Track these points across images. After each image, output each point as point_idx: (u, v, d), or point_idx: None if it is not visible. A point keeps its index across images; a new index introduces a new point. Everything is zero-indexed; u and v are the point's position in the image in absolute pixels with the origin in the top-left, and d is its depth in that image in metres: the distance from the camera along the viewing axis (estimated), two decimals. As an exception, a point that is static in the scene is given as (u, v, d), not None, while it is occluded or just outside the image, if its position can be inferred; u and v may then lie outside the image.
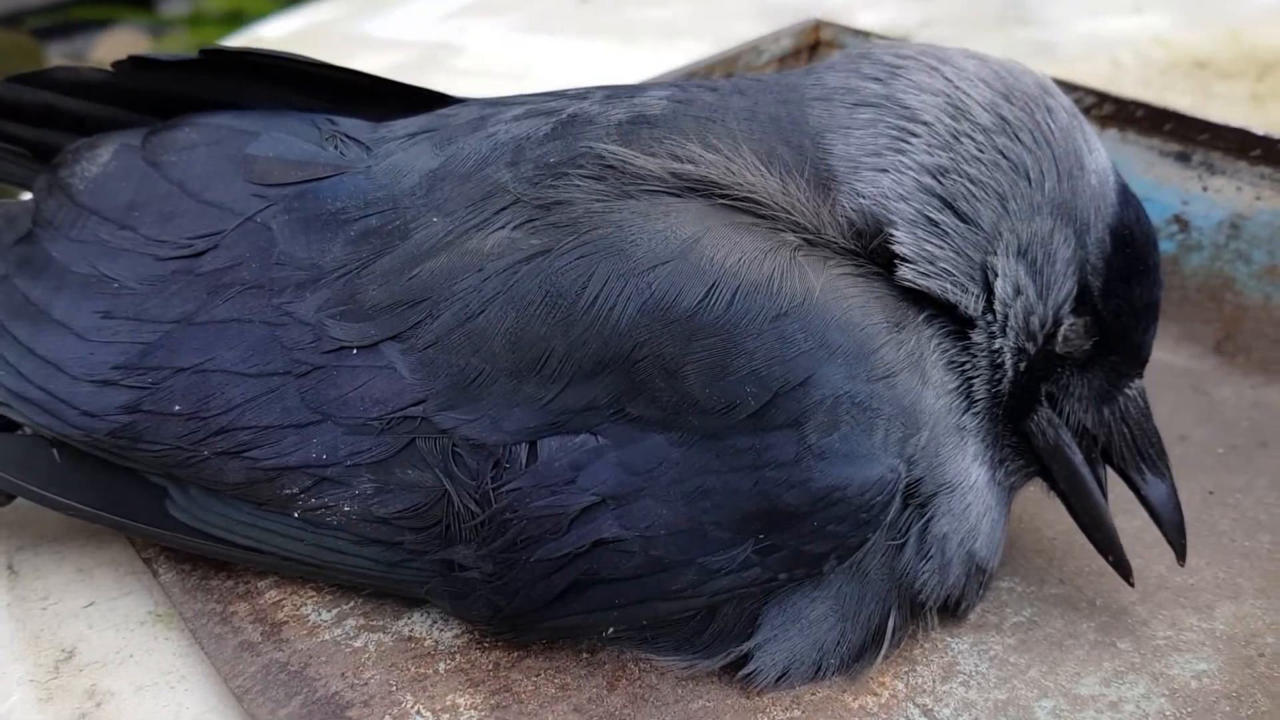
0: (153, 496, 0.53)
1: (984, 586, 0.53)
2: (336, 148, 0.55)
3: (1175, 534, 0.53)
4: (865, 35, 0.82)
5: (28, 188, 0.66)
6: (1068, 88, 0.72)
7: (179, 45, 3.51)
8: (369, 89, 0.61)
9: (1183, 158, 0.67)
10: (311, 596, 0.53)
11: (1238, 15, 1.41)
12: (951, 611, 0.53)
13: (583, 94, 0.55)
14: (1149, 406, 0.53)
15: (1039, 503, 0.57)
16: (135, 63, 0.60)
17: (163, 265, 0.53)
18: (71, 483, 0.53)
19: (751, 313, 0.45)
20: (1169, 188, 0.68)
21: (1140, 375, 0.53)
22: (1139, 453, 0.53)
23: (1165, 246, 0.70)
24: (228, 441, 0.50)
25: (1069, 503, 0.54)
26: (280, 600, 0.53)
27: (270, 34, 1.44)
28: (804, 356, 0.45)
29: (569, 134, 0.52)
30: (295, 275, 0.51)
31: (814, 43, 0.85)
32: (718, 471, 0.46)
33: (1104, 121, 0.70)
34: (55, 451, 0.53)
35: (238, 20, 3.37)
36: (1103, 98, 0.70)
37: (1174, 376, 0.69)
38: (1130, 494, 0.54)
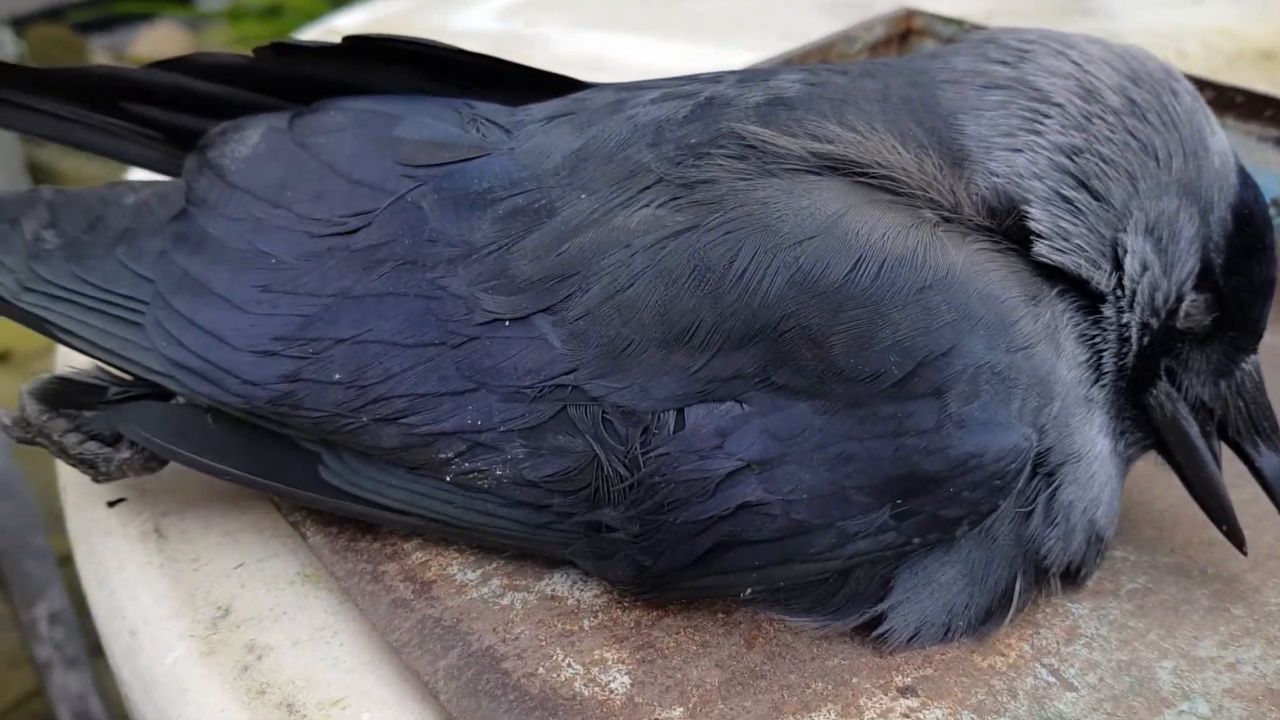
0: (305, 461, 0.55)
1: (1101, 554, 0.55)
2: (478, 130, 0.57)
3: (1288, 506, 0.55)
4: (959, 23, 0.84)
5: (159, 170, 0.69)
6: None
7: (219, 39, 3.55)
8: (496, 73, 0.63)
9: (1281, 143, 0.69)
10: (455, 557, 0.56)
11: (1301, 6, 1.41)
12: (1071, 578, 0.55)
13: (715, 78, 0.57)
14: (1263, 381, 0.55)
15: (1146, 475, 0.59)
16: (276, 48, 0.63)
17: (317, 242, 0.55)
18: (226, 449, 0.56)
19: (897, 285, 0.48)
20: (1268, 172, 0.70)
21: (1255, 350, 0.55)
22: (1254, 426, 0.55)
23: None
24: (386, 408, 0.53)
25: (1184, 474, 0.56)
26: (427, 561, 0.56)
27: (342, 25, 1.47)
28: (947, 327, 0.47)
29: (708, 116, 0.54)
30: (447, 251, 0.54)
31: (905, 31, 0.87)
32: (860, 438, 0.49)
33: (1202, 108, 0.72)
34: (209, 418, 0.56)
35: (277, 14, 3.41)
36: (1201, 84, 0.72)
37: (1274, 356, 0.70)
38: (1239, 467, 0.56)
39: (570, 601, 0.54)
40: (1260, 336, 0.55)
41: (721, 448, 0.49)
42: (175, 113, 0.65)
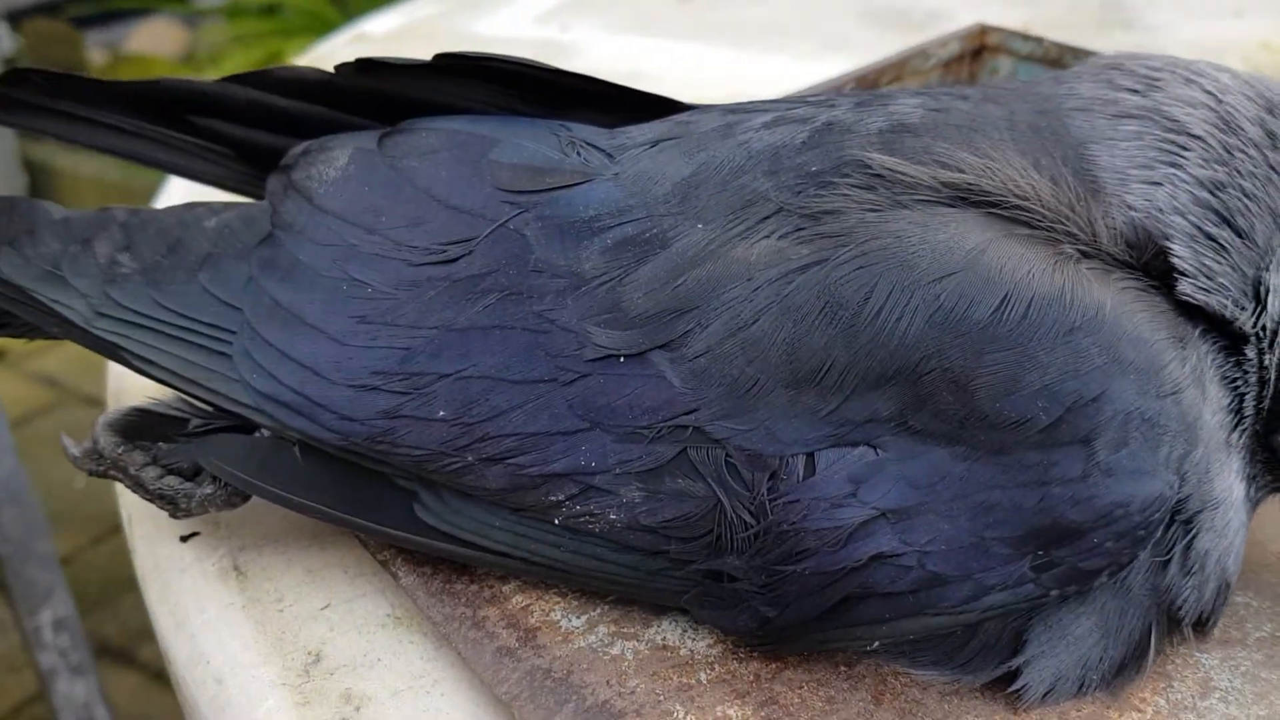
0: (400, 500, 0.53)
1: (1226, 601, 0.53)
2: (579, 154, 0.55)
3: None
4: (1038, 40, 0.82)
5: (226, 188, 0.66)
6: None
7: (216, 36, 3.52)
8: (587, 93, 0.61)
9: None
10: (558, 602, 0.53)
11: (1342, 19, 1.40)
12: (1200, 627, 0.53)
13: (830, 102, 0.55)
14: (1393, 424, 0.53)
15: (1260, 517, 0.57)
16: (361, 65, 0.60)
17: (415, 271, 0.53)
18: (315, 484, 0.54)
19: (1045, 326, 0.45)
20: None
21: (1386, 392, 0.53)
22: (1380, 469, 0.53)
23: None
24: (492, 447, 0.50)
25: (1311, 519, 0.54)
26: (528, 605, 0.53)
27: (374, 30, 1.44)
28: (1097, 371, 0.45)
29: (827, 142, 0.52)
30: (554, 283, 0.51)
31: (979, 47, 0.85)
32: (1003, 487, 0.46)
33: None
34: (298, 453, 0.54)
35: (276, 12, 3.37)
36: None
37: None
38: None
39: (684, 651, 0.51)
40: (1396, 377, 0.53)
41: (855, 495, 0.47)
42: (247, 128, 0.63)
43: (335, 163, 0.57)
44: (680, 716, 0.48)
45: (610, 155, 0.55)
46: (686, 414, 0.48)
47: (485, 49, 0.60)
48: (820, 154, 0.51)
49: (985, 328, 0.45)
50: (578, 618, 0.53)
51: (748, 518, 0.48)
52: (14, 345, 2.28)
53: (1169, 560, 0.49)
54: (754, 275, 0.49)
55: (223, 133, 0.63)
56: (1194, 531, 0.49)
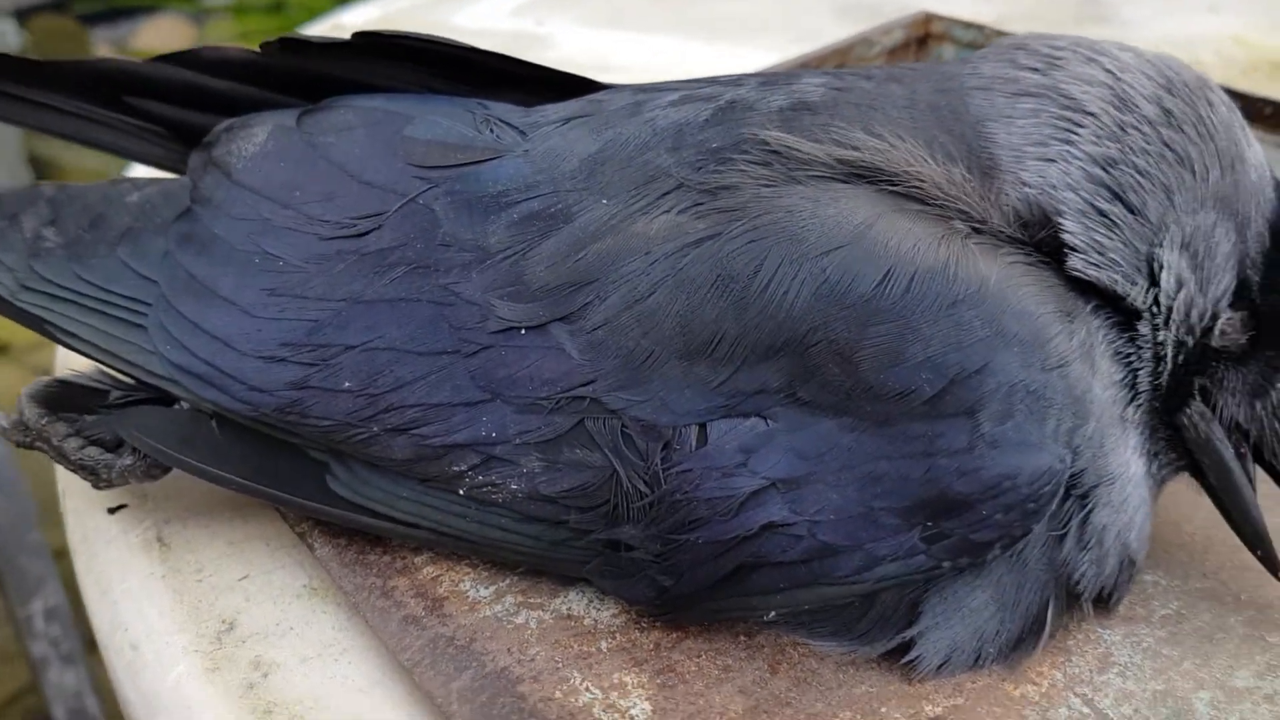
0: (313, 471, 0.54)
1: (1132, 579, 0.54)
2: (492, 131, 0.56)
3: (1326, 530, 0.53)
4: (979, 28, 0.82)
5: (164, 167, 0.67)
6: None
7: (223, 33, 3.54)
8: (508, 73, 0.62)
9: (1314, 155, 0.67)
10: (468, 573, 0.54)
11: (1320, 15, 1.40)
12: (1103, 603, 0.53)
13: (737, 81, 0.56)
14: (1302, 402, 0.53)
15: (1174, 496, 0.58)
16: (284, 44, 0.61)
17: (326, 244, 0.54)
18: (231, 456, 0.54)
19: (928, 299, 0.46)
20: (1299, 185, 0.68)
21: (1294, 371, 0.54)
22: (1291, 448, 0.53)
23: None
24: (397, 418, 0.51)
25: (1216, 497, 0.54)
26: (438, 576, 0.54)
27: (349, 21, 1.45)
28: (980, 344, 0.46)
29: (729, 120, 0.52)
30: (460, 256, 0.52)
31: (924, 35, 0.85)
32: (889, 457, 0.47)
33: (1232, 118, 0.70)
34: (215, 425, 0.54)
35: (281, 9, 3.39)
36: (1229, 94, 0.70)
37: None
38: (1274, 489, 0.54)
39: (587, 621, 0.52)
40: (1300, 355, 0.53)
41: (746, 465, 0.48)
42: (180, 108, 0.64)
43: (254, 139, 0.58)
44: (577, 683, 0.49)
45: (523, 132, 0.56)
46: (584, 385, 0.49)
47: (463, 40, 0.61)
48: (721, 131, 0.52)
49: (869, 301, 0.46)
50: (486, 588, 0.53)
51: (642, 487, 0.48)
52: (18, 340, 2.30)
53: (1065, 534, 0.50)
54: (652, 249, 0.49)
55: (157, 113, 0.64)
56: (1090, 506, 0.49)
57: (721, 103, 0.53)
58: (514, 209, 0.52)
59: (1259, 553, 0.54)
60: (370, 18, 1.47)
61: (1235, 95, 0.67)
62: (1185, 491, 0.56)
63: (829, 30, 1.31)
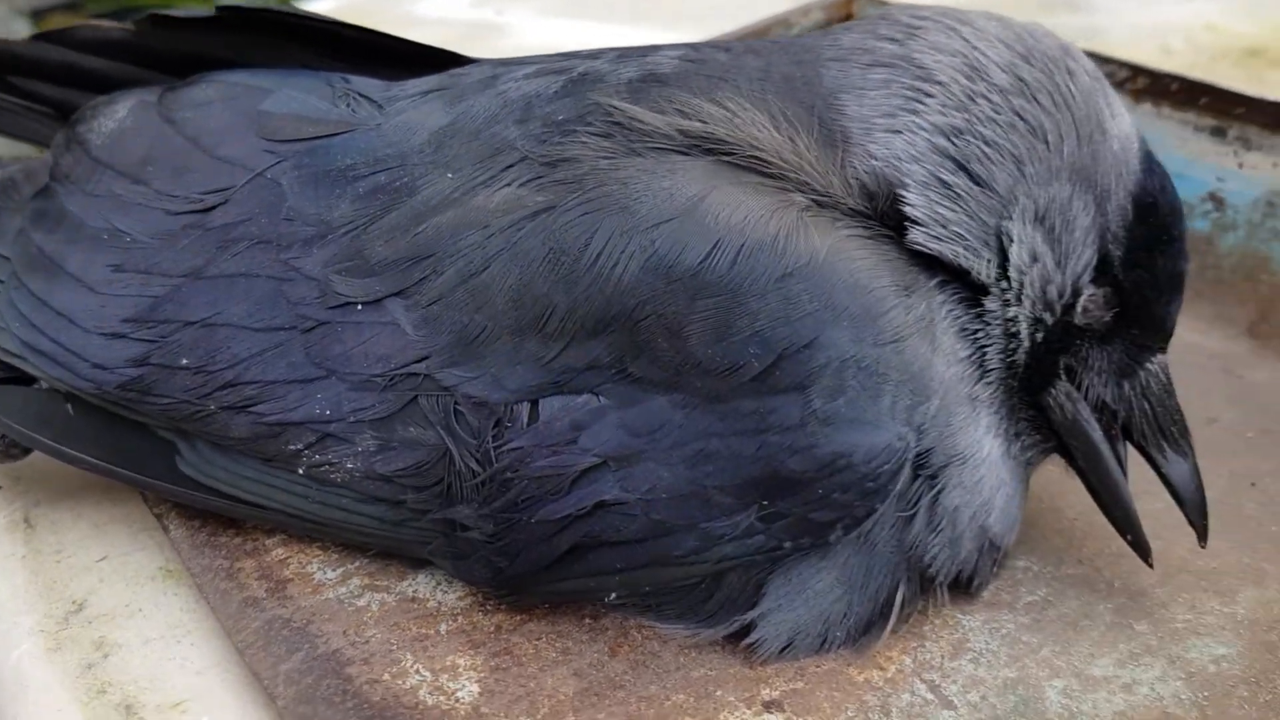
0: (163, 451, 0.53)
1: (998, 564, 0.52)
2: (349, 105, 0.55)
3: (1196, 514, 0.51)
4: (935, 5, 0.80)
5: (49, 147, 0.66)
6: (1102, 60, 0.70)
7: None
8: (388, 50, 0.61)
9: (1218, 133, 0.66)
10: (318, 555, 0.53)
11: (1294, 4, 1.38)
12: (964, 588, 0.52)
13: (596, 54, 0.55)
14: (1171, 382, 0.52)
15: (1060, 482, 0.56)
16: (155, 20, 0.60)
17: (174, 220, 0.53)
18: (85, 436, 0.54)
19: (756, 272, 0.45)
20: (1204, 164, 0.66)
21: (1163, 350, 0.52)
22: (1160, 429, 0.51)
23: (1199, 225, 0.68)
24: (233, 396, 0.50)
25: (1087, 480, 0.52)
26: (287, 558, 0.53)
27: (315, 10, 1.44)
28: (809, 318, 0.44)
29: (578, 91, 0.51)
30: (303, 231, 0.51)
31: (845, 16, 0.84)
32: (720, 435, 0.46)
33: (1138, 95, 0.69)
34: (69, 405, 0.54)
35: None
36: (1137, 70, 0.68)
37: (1206, 358, 0.67)
38: (1154, 475, 0.52)
39: (431, 604, 0.51)
40: (1167, 334, 0.52)
41: (577, 442, 0.46)
42: (62, 87, 0.63)
43: (115, 116, 0.57)
44: (407, 665, 0.48)
45: (381, 106, 0.55)
46: (418, 361, 0.48)
47: (418, 29, 0.60)
48: (570, 103, 0.51)
49: (696, 274, 0.45)
50: (334, 570, 0.53)
51: (475, 466, 0.47)
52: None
53: (914, 515, 0.48)
54: (490, 223, 0.48)
55: (40, 93, 0.64)
56: (940, 486, 0.48)
57: (574, 75, 0.52)
58: (360, 183, 0.52)
59: (1128, 537, 0.52)
60: (330, 7, 1.46)
61: (1142, 72, 0.66)
62: (1070, 477, 0.55)
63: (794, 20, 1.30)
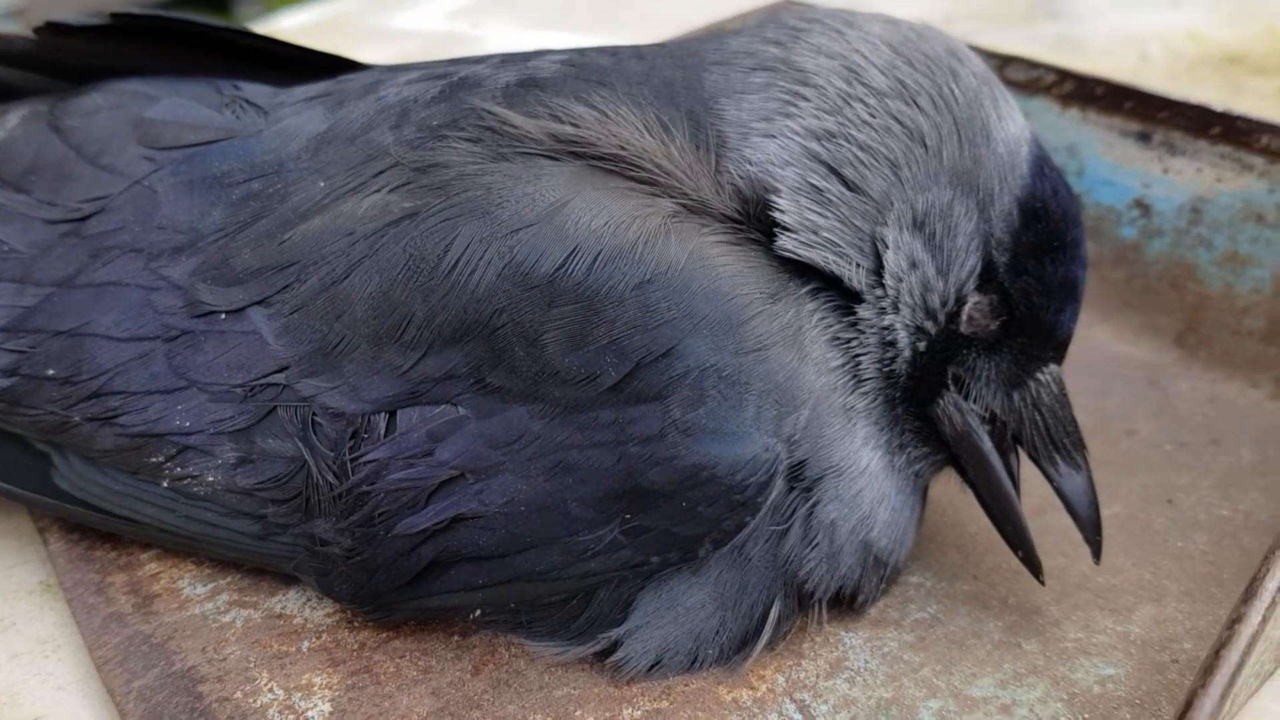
0: (39, 465, 0.52)
1: (885, 580, 0.51)
2: (234, 112, 0.54)
3: (1090, 529, 0.50)
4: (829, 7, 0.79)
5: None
6: (1029, 64, 0.69)
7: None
8: (289, 58, 0.60)
9: (1143, 138, 0.64)
10: (190, 570, 0.52)
11: (1277, 10, 1.36)
12: (847, 604, 0.50)
13: (480, 59, 0.54)
14: (1065, 394, 0.50)
15: (964, 496, 0.54)
16: (55, 29, 0.59)
17: (51, 229, 0.52)
18: (-37, 449, 0.53)
19: (613, 279, 0.43)
20: (1130, 169, 0.65)
21: (1057, 360, 0.50)
22: (1052, 442, 0.50)
23: (1127, 233, 0.66)
24: (98, 407, 0.49)
25: (979, 493, 0.51)
26: (159, 573, 0.52)
27: (287, 25, 1.45)
28: (667, 326, 0.43)
29: (456, 96, 0.50)
30: (174, 239, 0.50)
31: (784, 24, 0.82)
32: (579, 446, 0.44)
33: (1065, 100, 0.67)
34: (-51, 418, 0.53)
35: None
36: (1063, 75, 0.67)
37: (1131, 369, 0.65)
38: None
39: (297, 620, 0.50)
40: (1059, 344, 0.50)
41: (434, 454, 0.45)
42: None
43: (6, 125, 0.56)
44: (261, 683, 0.47)
45: (266, 112, 0.54)
46: (278, 371, 0.47)
47: (393, 41, 0.60)
48: (446, 108, 0.50)
49: (552, 281, 0.43)
50: (204, 585, 0.52)
51: (332, 479, 0.46)
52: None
53: (789, 529, 0.47)
54: (356, 229, 0.47)
55: (-53, 103, 0.63)
56: (815, 500, 0.47)
57: (454, 80, 0.51)
58: (234, 190, 0.51)
59: (1020, 553, 0.50)
60: (305, 21, 1.46)
61: (1069, 76, 0.64)
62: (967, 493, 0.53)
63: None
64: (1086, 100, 0.66)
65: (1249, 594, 0.38)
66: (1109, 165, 0.65)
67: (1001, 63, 0.69)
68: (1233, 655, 0.36)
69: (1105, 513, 0.54)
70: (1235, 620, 0.37)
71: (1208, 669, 0.36)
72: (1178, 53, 1.25)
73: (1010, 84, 0.69)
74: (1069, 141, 0.67)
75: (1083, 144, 0.66)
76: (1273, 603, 0.37)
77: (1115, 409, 0.62)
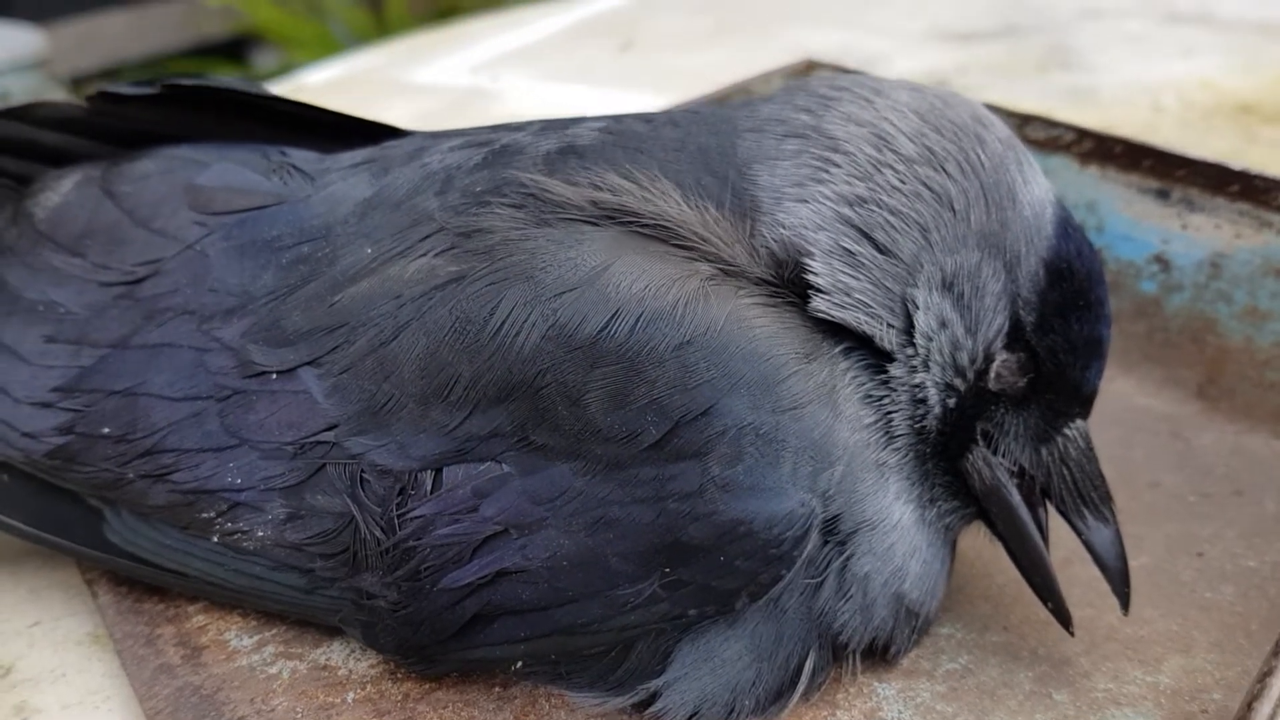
0: (91, 519, 0.54)
1: (917, 631, 0.52)
2: (281, 178, 0.56)
3: (1119, 581, 0.51)
4: (858, 74, 0.81)
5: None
6: (1048, 124, 0.71)
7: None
8: (328, 124, 0.62)
9: (1162, 195, 0.65)
10: (237, 622, 0.54)
11: (1293, 60, 1.37)
12: (880, 655, 0.51)
13: (521, 126, 0.55)
14: (1092, 448, 0.51)
15: (992, 548, 0.55)
16: (105, 96, 0.62)
17: (106, 291, 0.54)
18: (17, 503, 0.55)
19: (654, 340, 0.45)
20: (1148, 225, 0.66)
21: (1084, 415, 0.51)
22: (1080, 496, 0.51)
23: (1146, 287, 0.68)
24: (151, 464, 0.51)
25: (1008, 546, 0.52)
26: (206, 625, 0.53)
27: (312, 81, 1.48)
28: (706, 386, 0.45)
29: (498, 163, 0.52)
30: (226, 301, 0.52)
31: (807, 83, 0.84)
32: (621, 502, 0.46)
33: (1084, 159, 0.69)
34: (4, 474, 0.55)
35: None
36: (1082, 134, 0.68)
37: (1154, 421, 0.66)
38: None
39: (342, 672, 0.51)
40: (1086, 400, 0.51)
41: (478, 510, 0.47)
42: (24, 161, 0.65)
43: (60, 190, 0.59)
44: (310, 734, 0.48)
45: (313, 178, 0.56)
46: (327, 430, 0.49)
47: (414, 95, 0.62)
48: (488, 175, 0.52)
49: (595, 342, 0.45)
50: (250, 637, 0.53)
51: (379, 534, 0.48)
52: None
53: (823, 582, 0.48)
54: (403, 292, 0.49)
55: (3, 168, 0.65)
56: (849, 553, 0.48)
57: (496, 147, 0.53)
58: (285, 253, 0.52)
59: (1049, 604, 0.51)
60: (330, 77, 1.49)
61: (1089, 135, 0.66)
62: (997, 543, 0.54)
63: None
64: (1105, 158, 0.68)
65: (1279, 647, 0.39)
66: (1128, 221, 0.67)
67: (1021, 121, 0.71)
68: (1264, 708, 0.37)
69: (1132, 564, 0.55)
70: (1266, 674, 0.38)
71: (1241, 722, 0.37)
72: (1191, 102, 1.26)
73: (1029, 142, 0.71)
74: (1088, 198, 0.69)
75: (1102, 201, 0.68)
76: (1302, 656, 0.38)
77: (1139, 461, 0.63)
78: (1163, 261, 0.67)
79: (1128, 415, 0.66)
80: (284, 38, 3.22)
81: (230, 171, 0.56)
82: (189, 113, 0.62)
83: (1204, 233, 0.64)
